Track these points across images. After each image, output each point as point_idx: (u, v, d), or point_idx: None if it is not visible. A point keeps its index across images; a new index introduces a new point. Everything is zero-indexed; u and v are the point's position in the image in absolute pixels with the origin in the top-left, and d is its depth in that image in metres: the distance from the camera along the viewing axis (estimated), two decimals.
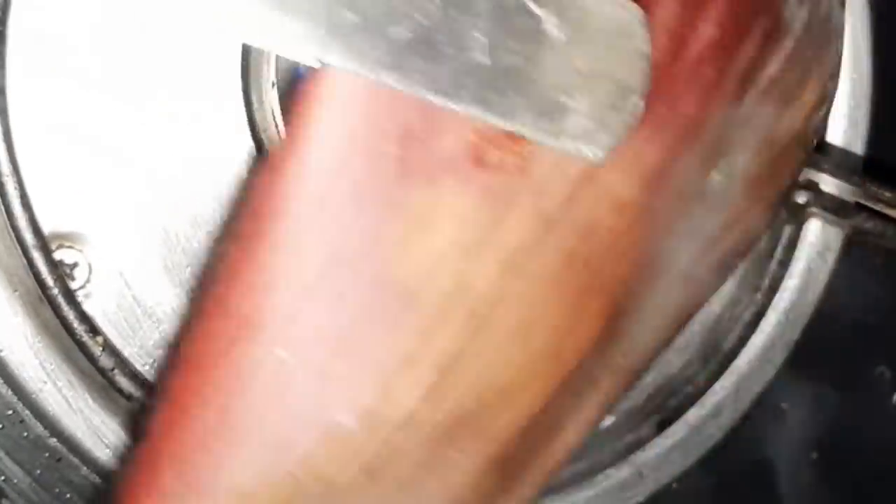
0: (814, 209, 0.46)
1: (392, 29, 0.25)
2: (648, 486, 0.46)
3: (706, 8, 0.28)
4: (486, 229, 0.26)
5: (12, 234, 0.39)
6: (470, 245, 0.26)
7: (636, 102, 0.27)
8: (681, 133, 0.28)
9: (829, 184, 0.46)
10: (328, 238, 0.26)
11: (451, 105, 0.25)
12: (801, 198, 0.46)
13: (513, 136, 0.26)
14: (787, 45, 0.31)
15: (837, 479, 0.48)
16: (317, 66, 0.26)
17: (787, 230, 0.47)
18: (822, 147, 0.47)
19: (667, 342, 0.34)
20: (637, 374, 0.33)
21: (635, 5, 0.26)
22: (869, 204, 0.46)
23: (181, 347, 0.29)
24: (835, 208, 0.46)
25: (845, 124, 0.47)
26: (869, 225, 0.46)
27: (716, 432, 0.47)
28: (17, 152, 0.39)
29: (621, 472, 0.46)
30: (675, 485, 0.46)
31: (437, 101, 0.25)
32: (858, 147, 0.47)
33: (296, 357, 0.26)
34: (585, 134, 0.26)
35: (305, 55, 0.25)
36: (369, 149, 0.26)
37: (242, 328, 0.27)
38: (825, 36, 0.33)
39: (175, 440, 0.28)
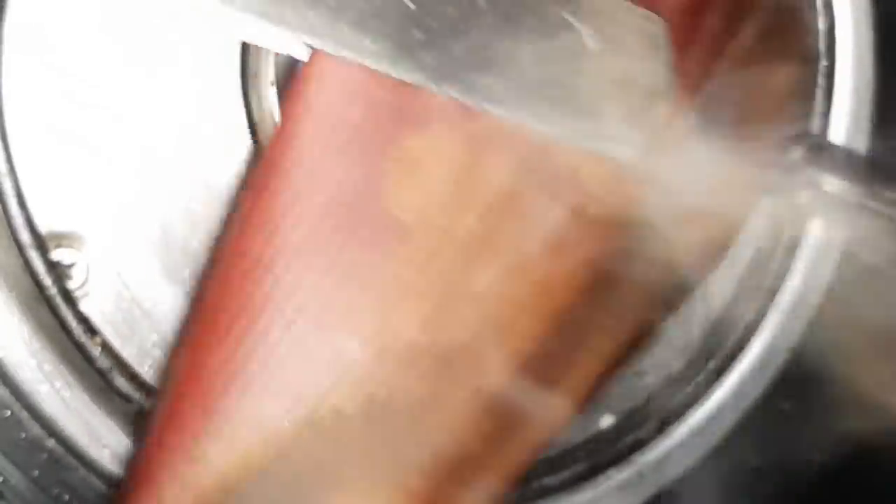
0: (815, 209, 0.46)
1: (454, 45, 0.27)
2: (649, 487, 0.46)
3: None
4: (473, 172, 0.28)
5: (9, 234, 0.39)
6: (458, 185, 0.28)
7: (662, 106, 0.29)
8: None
9: (831, 183, 0.46)
10: (330, 180, 0.29)
11: (503, 113, 0.28)
12: (803, 198, 0.46)
13: None
14: None
15: (839, 481, 0.48)
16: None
17: (789, 230, 0.47)
18: (825, 146, 0.47)
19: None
20: (627, 342, 0.35)
21: (659, 18, 0.28)
22: (871, 204, 0.46)
23: (200, 293, 0.31)
24: (837, 208, 0.46)
25: (848, 123, 0.47)
26: (871, 225, 0.46)
27: (717, 433, 0.47)
28: (13, 152, 0.39)
29: (622, 473, 0.46)
30: (676, 486, 0.46)
31: (492, 110, 0.27)
32: (861, 147, 0.47)
33: (304, 289, 0.28)
34: (619, 136, 0.28)
35: (376, 67, 0.28)
36: (367, 98, 0.28)
37: (254, 265, 0.29)
38: None
39: (195, 378, 0.30)
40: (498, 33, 0.27)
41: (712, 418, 0.47)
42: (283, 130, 0.30)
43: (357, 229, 0.28)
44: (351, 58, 0.28)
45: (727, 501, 0.48)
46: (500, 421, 0.30)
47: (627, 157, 0.29)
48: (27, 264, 0.39)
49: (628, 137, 0.29)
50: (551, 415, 0.33)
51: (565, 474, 0.46)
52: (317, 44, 0.29)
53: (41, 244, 0.39)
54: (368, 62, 0.28)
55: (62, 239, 0.40)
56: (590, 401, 0.34)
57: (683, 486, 0.46)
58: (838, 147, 0.47)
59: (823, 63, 0.47)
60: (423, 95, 0.28)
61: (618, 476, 0.46)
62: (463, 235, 0.28)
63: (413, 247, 0.28)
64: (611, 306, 0.32)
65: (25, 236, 0.39)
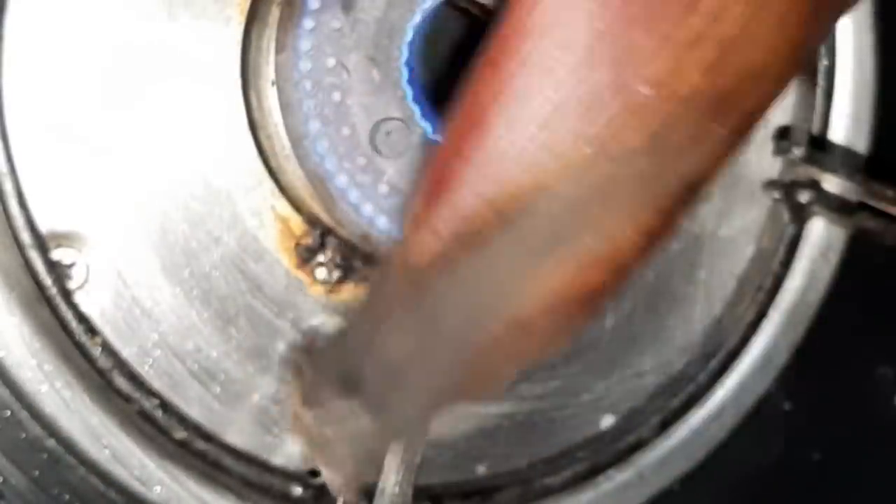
0: (816, 208, 0.46)
1: None
2: (650, 488, 0.46)
3: None
4: None
5: (10, 234, 0.39)
6: None
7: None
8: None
9: (831, 183, 0.46)
10: None
11: None
12: (803, 197, 0.46)
13: None
14: None
15: (840, 479, 0.48)
16: None
17: (790, 230, 0.47)
18: (825, 146, 0.47)
19: None
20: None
21: None
22: (872, 203, 0.46)
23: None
24: (837, 207, 0.46)
25: (848, 123, 0.47)
26: (871, 224, 0.46)
27: (718, 433, 0.47)
28: (14, 152, 0.39)
29: (623, 474, 0.46)
30: (676, 486, 0.46)
31: None
32: (861, 146, 0.47)
33: (604, 28, 0.31)
34: None
35: None
36: None
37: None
38: None
39: (476, 117, 0.33)
40: None
41: (712, 418, 0.47)
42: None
43: None
44: None
45: (727, 501, 0.48)
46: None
47: None
48: (27, 264, 0.39)
49: None
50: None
51: (565, 474, 0.46)
52: None
53: (42, 244, 0.39)
54: None
55: (62, 239, 0.40)
56: None
57: (683, 486, 0.46)
58: (838, 146, 0.47)
59: (823, 63, 0.47)
60: None
61: (618, 476, 0.46)
62: None
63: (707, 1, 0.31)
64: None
65: (26, 236, 0.39)
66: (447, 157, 0.34)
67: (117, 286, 0.40)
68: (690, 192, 0.33)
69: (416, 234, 0.35)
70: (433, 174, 0.35)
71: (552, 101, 0.32)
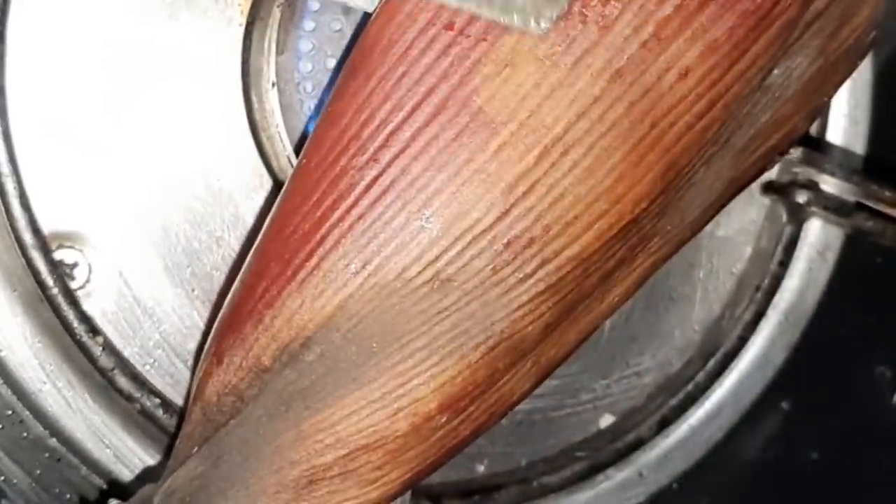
0: (814, 209, 0.46)
1: None
2: (649, 487, 0.46)
3: None
4: (564, 75, 0.31)
5: (12, 234, 0.39)
6: (548, 87, 0.31)
7: None
8: (748, 20, 0.31)
9: (829, 183, 0.46)
10: (428, 74, 0.31)
11: None
12: (801, 197, 0.46)
13: None
14: None
15: (838, 479, 0.48)
16: None
17: (788, 230, 0.47)
18: (823, 146, 0.47)
19: (708, 221, 0.38)
20: (680, 245, 0.37)
21: None
22: (869, 203, 0.46)
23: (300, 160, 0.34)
24: (835, 208, 0.46)
25: (846, 124, 0.47)
26: (869, 224, 0.46)
27: (716, 432, 0.47)
28: (16, 152, 0.39)
29: (622, 473, 0.46)
30: (675, 485, 0.46)
31: None
32: (859, 146, 0.47)
33: (394, 167, 0.31)
34: (533, 8, 0.30)
35: None
36: None
37: (351, 140, 0.32)
38: None
39: (283, 240, 0.33)
40: None
41: (711, 418, 0.47)
42: (383, 10, 0.32)
43: (449, 119, 0.31)
44: None
45: (726, 500, 0.48)
46: (560, 312, 0.33)
47: (539, 31, 0.31)
48: (30, 264, 0.40)
49: (541, 9, 0.31)
50: (602, 313, 0.37)
51: (564, 473, 0.46)
52: None
53: (44, 244, 0.39)
54: None
55: (64, 239, 0.40)
56: (638, 289, 0.38)
57: (682, 485, 0.46)
58: (836, 147, 0.47)
59: None
60: None
61: (618, 476, 0.46)
62: (546, 135, 0.31)
63: (499, 141, 0.31)
64: (674, 215, 0.35)
65: (28, 236, 0.39)
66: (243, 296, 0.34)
67: (119, 286, 0.40)
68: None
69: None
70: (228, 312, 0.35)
71: None
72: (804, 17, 0.33)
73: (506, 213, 0.31)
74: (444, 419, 0.33)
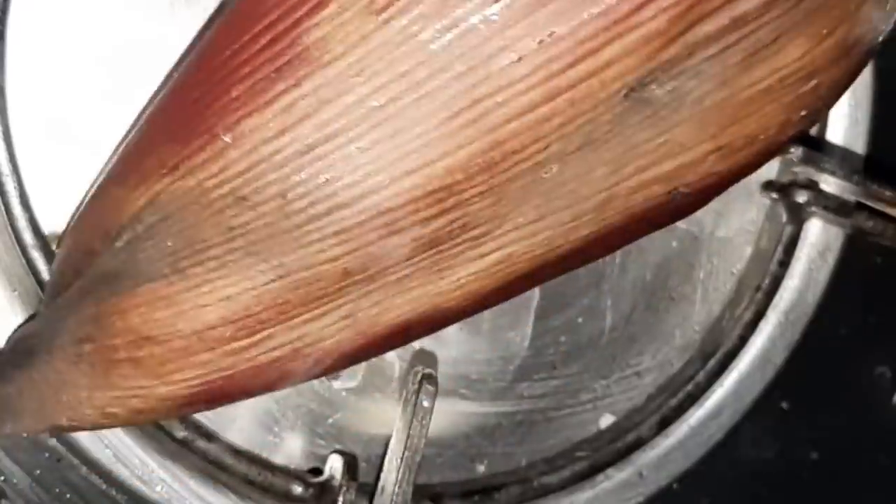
0: (814, 209, 0.46)
1: None
2: (649, 487, 0.46)
3: None
4: (391, 35, 0.30)
5: (12, 235, 0.39)
6: (375, 42, 0.31)
7: None
8: (598, 21, 0.30)
9: (829, 183, 0.46)
10: (272, 15, 0.31)
11: None
12: (801, 197, 0.46)
13: None
14: None
15: (837, 479, 0.48)
16: None
17: (788, 230, 0.47)
18: (823, 146, 0.47)
19: (597, 241, 0.36)
20: (563, 250, 0.36)
21: None
22: (870, 203, 0.46)
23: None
24: (835, 208, 0.46)
25: (846, 123, 0.47)
26: (869, 224, 0.46)
27: (716, 432, 0.47)
28: (16, 152, 0.39)
29: (622, 473, 0.46)
30: (675, 485, 0.46)
31: None
32: (859, 146, 0.47)
33: (219, 87, 0.32)
34: None
35: None
36: None
37: (202, 56, 0.34)
38: (823, 7, 0.33)
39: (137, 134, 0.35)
40: None
41: (712, 418, 0.47)
42: None
43: (279, 53, 0.31)
44: None
45: (726, 500, 0.48)
46: (359, 260, 0.33)
47: None
48: (30, 265, 0.40)
49: None
50: (450, 283, 0.36)
51: (564, 473, 0.46)
52: None
53: (44, 244, 0.40)
54: None
55: None
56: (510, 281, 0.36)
57: (682, 484, 0.46)
58: (836, 147, 0.47)
59: None
60: None
61: (617, 475, 0.46)
62: (365, 88, 0.31)
63: (317, 83, 0.31)
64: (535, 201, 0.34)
65: (28, 236, 0.40)
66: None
67: None
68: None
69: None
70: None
71: None
72: (685, 37, 0.31)
73: (306, 151, 0.31)
74: (227, 333, 0.34)
